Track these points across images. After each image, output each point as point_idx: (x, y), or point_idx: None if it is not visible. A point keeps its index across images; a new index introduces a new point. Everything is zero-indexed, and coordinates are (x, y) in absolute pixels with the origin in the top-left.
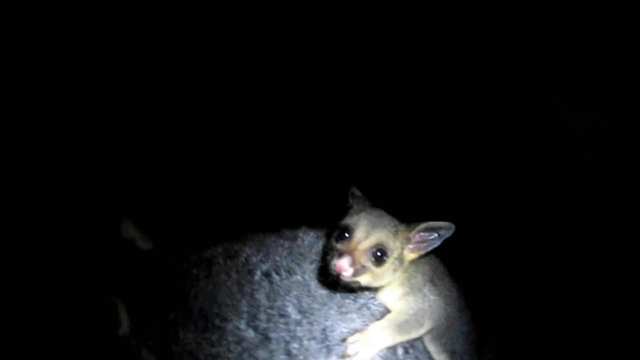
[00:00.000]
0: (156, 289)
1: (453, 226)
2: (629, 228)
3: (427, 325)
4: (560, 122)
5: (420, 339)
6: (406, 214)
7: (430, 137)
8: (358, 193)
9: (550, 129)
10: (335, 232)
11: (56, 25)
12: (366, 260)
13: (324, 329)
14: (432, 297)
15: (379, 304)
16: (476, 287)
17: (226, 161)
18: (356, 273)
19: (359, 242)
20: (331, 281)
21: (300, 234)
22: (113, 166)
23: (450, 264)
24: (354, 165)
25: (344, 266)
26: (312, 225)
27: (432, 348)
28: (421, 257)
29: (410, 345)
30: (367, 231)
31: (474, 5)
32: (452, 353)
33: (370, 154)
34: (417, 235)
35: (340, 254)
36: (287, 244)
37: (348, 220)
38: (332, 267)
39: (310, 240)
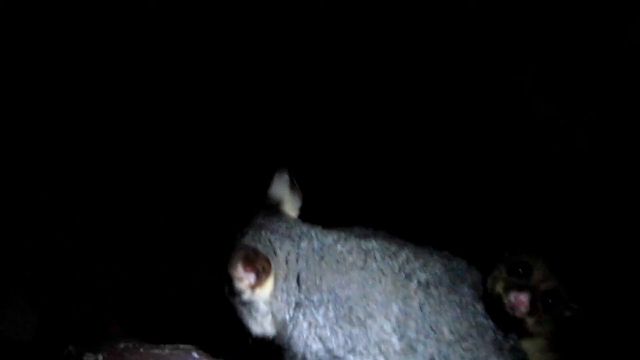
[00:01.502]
0: (305, 262)
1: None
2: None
3: None
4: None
5: None
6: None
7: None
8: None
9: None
10: (510, 263)
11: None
12: (540, 303)
13: (473, 358)
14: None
15: (524, 351)
16: None
17: None
18: (530, 313)
19: (539, 282)
20: (490, 313)
21: (459, 258)
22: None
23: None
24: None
25: (523, 301)
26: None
27: None
28: None
29: None
30: (547, 275)
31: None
32: None
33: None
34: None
35: (520, 288)
36: (443, 261)
37: (525, 258)
38: (510, 299)
39: (464, 266)
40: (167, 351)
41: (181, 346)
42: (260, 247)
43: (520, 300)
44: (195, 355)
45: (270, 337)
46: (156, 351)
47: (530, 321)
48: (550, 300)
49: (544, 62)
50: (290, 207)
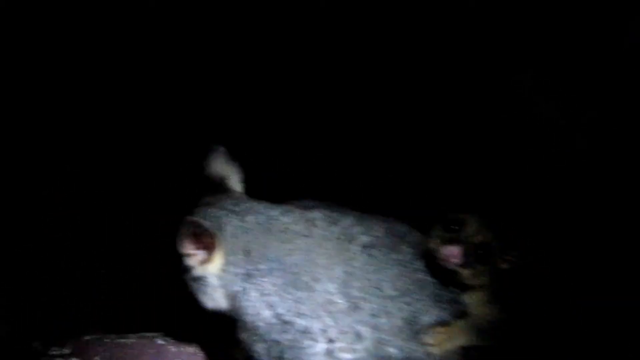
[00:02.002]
0: (252, 235)
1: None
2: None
3: (499, 336)
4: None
5: None
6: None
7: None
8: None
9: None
10: (445, 221)
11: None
12: (473, 255)
13: (415, 312)
14: (510, 311)
15: (464, 303)
16: None
17: None
18: (463, 264)
19: (470, 235)
20: (429, 269)
21: (394, 221)
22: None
23: None
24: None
25: (454, 253)
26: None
27: None
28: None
29: (482, 350)
30: (477, 228)
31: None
32: None
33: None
34: (512, 247)
35: (452, 242)
36: (384, 225)
37: (458, 214)
38: (441, 253)
39: (405, 229)
40: (132, 340)
41: (146, 334)
42: (205, 223)
43: (451, 252)
44: (160, 342)
45: (224, 310)
46: (121, 341)
47: (465, 273)
48: (482, 252)
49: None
50: (234, 182)
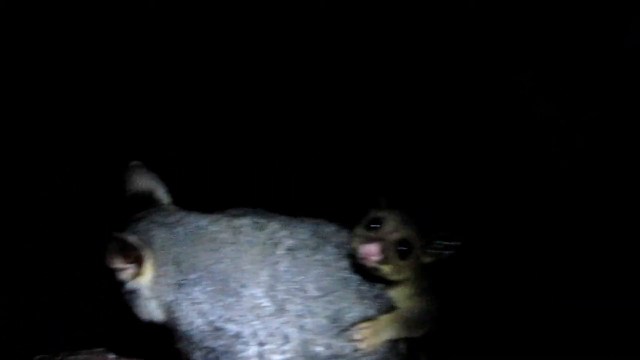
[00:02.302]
0: (180, 246)
1: (460, 244)
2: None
3: (426, 328)
4: (556, 122)
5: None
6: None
7: (429, 137)
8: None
9: (547, 130)
10: (366, 220)
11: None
12: (392, 252)
13: (339, 310)
14: (436, 303)
15: (390, 298)
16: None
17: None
18: (382, 261)
19: (388, 233)
20: (352, 267)
21: (322, 221)
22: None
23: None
24: (355, 164)
25: (373, 251)
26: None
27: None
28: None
29: (406, 342)
30: (396, 225)
31: (474, 5)
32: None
33: (369, 152)
34: (434, 241)
35: (370, 240)
36: (311, 227)
37: (379, 213)
38: (360, 251)
39: (331, 229)
40: (83, 356)
41: (97, 349)
42: (132, 237)
43: (369, 251)
44: (112, 356)
45: (160, 321)
46: (72, 357)
47: (386, 269)
48: (401, 248)
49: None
50: (162, 194)
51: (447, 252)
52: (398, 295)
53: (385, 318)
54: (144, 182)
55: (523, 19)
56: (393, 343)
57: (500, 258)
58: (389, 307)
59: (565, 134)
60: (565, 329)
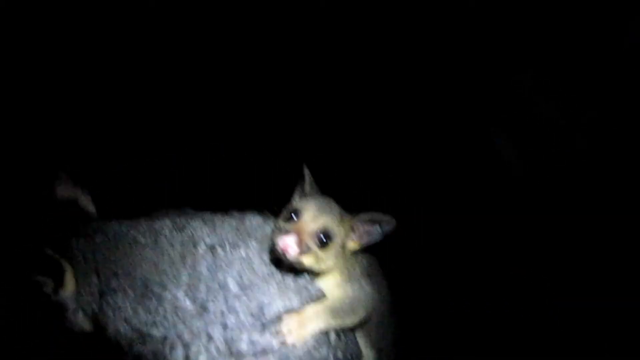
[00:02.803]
0: (102, 255)
1: (394, 220)
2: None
3: (360, 315)
4: (556, 122)
5: (352, 330)
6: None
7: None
8: (310, 177)
9: (547, 130)
10: (284, 213)
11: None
12: (311, 242)
13: (261, 305)
14: (367, 289)
15: (318, 288)
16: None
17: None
18: (301, 253)
19: (306, 224)
20: (275, 260)
21: (249, 216)
22: (55, 120)
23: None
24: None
25: (289, 244)
26: (260, 210)
27: (361, 342)
28: (361, 251)
29: (342, 332)
30: (314, 215)
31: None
32: (378, 350)
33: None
34: (360, 226)
35: (288, 233)
36: (234, 222)
37: (296, 204)
38: (278, 244)
39: (258, 222)
40: None
41: None
42: (48, 251)
43: (286, 244)
44: None
45: (90, 331)
46: None
47: (307, 261)
48: (324, 238)
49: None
50: (85, 203)
51: (375, 236)
52: (326, 285)
53: (311, 309)
54: (68, 191)
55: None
56: (324, 334)
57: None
58: (317, 298)
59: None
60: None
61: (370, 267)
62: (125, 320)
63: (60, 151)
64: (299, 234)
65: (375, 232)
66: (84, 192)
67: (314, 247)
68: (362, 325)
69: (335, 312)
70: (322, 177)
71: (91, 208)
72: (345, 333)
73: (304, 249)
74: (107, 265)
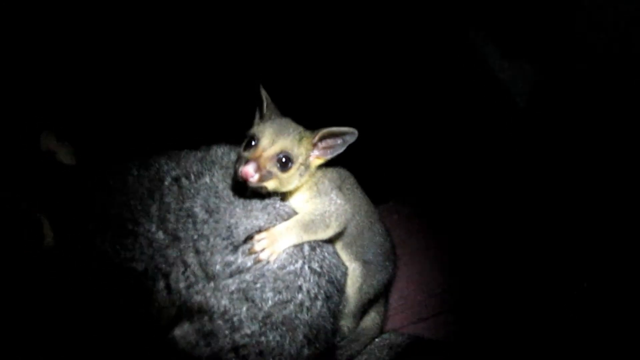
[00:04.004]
0: (77, 201)
1: (356, 132)
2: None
3: (333, 227)
4: (495, 73)
5: (330, 244)
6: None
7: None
8: (267, 98)
9: (487, 81)
10: (244, 141)
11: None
12: (272, 166)
13: (229, 227)
14: (338, 201)
15: (287, 206)
16: None
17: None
18: (262, 179)
19: (264, 150)
20: (240, 187)
21: (215, 146)
22: (34, 76)
23: None
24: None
25: (249, 172)
26: (228, 139)
27: (344, 256)
28: (330, 166)
29: (317, 245)
30: (272, 139)
31: None
32: (364, 262)
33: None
34: (321, 142)
35: (247, 161)
36: (200, 154)
37: (255, 129)
38: (239, 173)
39: (223, 151)
40: None
41: None
42: (23, 203)
43: (246, 172)
44: None
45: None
46: None
47: (271, 185)
48: (284, 160)
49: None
50: (64, 155)
51: (335, 151)
52: (296, 202)
53: (282, 225)
54: (51, 145)
55: None
56: (297, 247)
57: None
58: (287, 216)
59: (500, 85)
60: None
61: (342, 181)
62: (107, 258)
63: (48, 105)
64: (258, 160)
65: (337, 144)
66: (65, 146)
67: (275, 170)
68: (338, 237)
69: (306, 225)
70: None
71: (70, 161)
72: (321, 246)
73: (264, 174)
74: (84, 211)
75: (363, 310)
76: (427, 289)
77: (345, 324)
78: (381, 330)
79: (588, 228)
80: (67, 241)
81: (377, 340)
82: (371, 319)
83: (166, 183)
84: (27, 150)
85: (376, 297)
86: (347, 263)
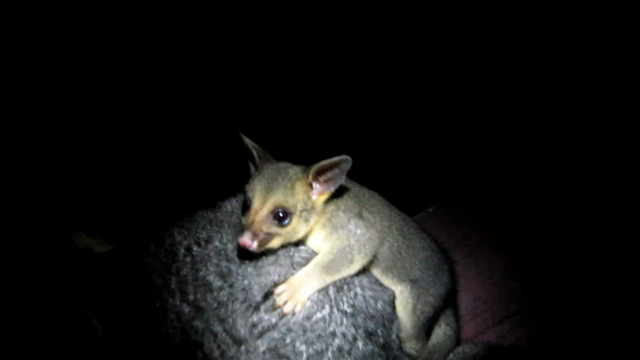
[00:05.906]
0: (111, 288)
1: (349, 158)
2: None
3: (359, 260)
4: (543, 43)
5: (365, 275)
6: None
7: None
8: (257, 148)
9: (536, 51)
10: (244, 205)
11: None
12: (269, 227)
13: (243, 289)
14: (358, 232)
15: (301, 248)
16: None
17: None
18: (262, 243)
19: (256, 212)
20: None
21: (225, 203)
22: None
23: None
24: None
25: (247, 242)
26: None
27: (386, 282)
28: (343, 193)
29: (345, 282)
30: (262, 197)
31: None
32: (411, 282)
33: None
34: (320, 176)
35: (242, 230)
36: (210, 215)
37: (248, 187)
38: (240, 242)
39: (233, 206)
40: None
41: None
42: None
43: (243, 242)
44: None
45: None
46: None
47: (274, 242)
48: (281, 215)
49: None
50: (100, 246)
51: (338, 180)
52: (313, 243)
53: (300, 273)
54: (84, 242)
55: None
56: (323, 292)
57: None
58: (302, 261)
59: (549, 55)
60: None
61: (361, 206)
62: (144, 338)
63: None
64: (252, 227)
65: (336, 174)
66: (96, 237)
67: (274, 230)
68: (372, 266)
69: (326, 267)
70: None
71: (106, 248)
72: (350, 283)
73: (263, 239)
74: (119, 297)
75: (426, 328)
76: (500, 287)
77: (410, 346)
78: (458, 341)
79: None
80: (114, 328)
81: (450, 356)
82: (442, 333)
83: (180, 255)
84: (63, 252)
85: (437, 313)
86: (392, 287)
